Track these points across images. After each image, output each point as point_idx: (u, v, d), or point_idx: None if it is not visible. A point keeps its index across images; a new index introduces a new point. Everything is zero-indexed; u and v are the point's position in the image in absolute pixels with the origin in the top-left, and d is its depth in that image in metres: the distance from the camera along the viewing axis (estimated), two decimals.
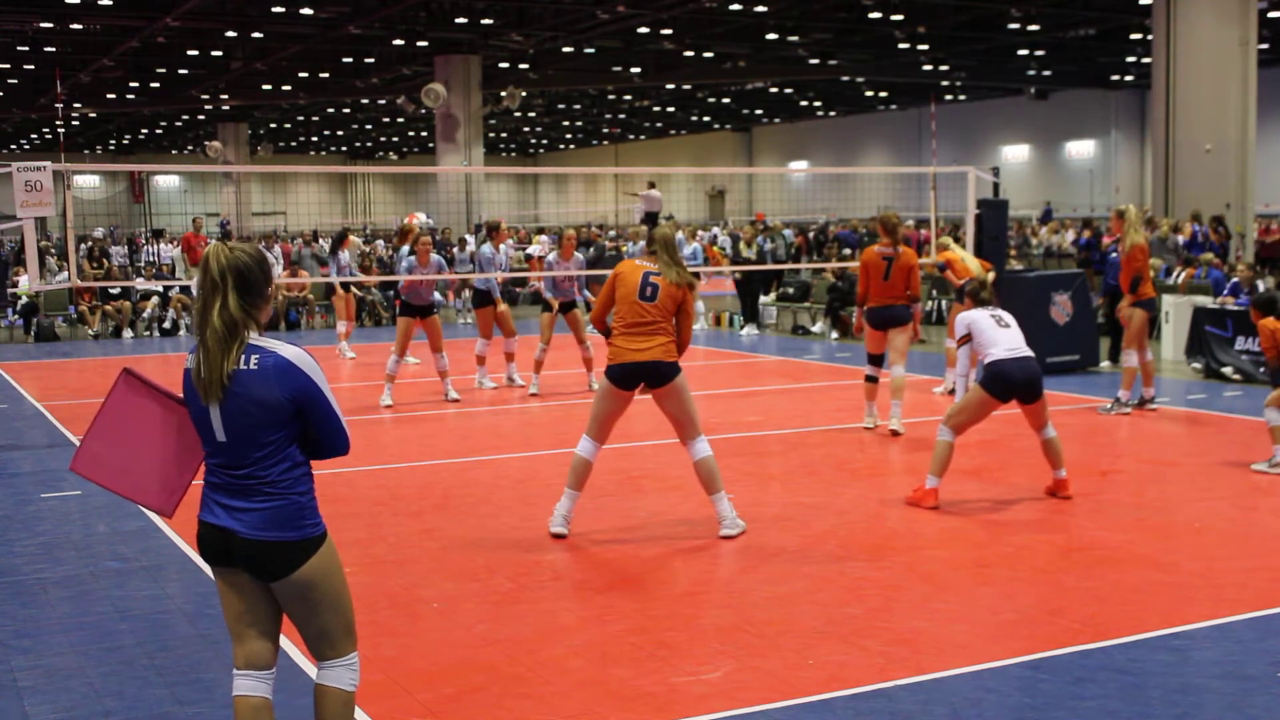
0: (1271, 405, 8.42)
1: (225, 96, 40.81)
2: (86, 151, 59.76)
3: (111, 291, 20.76)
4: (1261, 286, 13.76)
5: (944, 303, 18.92)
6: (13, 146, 57.32)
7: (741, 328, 19.87)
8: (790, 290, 20.18)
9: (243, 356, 3.46)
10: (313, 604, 3.60)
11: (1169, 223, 19.67)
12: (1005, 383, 7.46)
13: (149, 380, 3.81)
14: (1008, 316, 7.83)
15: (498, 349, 13.48)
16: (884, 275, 10.12)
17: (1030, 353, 7.64)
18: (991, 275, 11.59)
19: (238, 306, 3.48)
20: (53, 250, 25.81)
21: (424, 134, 53.84)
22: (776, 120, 56.38)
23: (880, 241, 10.34)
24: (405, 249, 13.05)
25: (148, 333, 20.72)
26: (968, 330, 7.80)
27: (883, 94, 46.03)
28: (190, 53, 33.75)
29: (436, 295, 20.89)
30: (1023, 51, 35.04)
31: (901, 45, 32.50)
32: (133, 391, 3.79)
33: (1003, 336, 7.60)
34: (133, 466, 3.80)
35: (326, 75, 38.46)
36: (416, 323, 12.03)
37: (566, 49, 33.65)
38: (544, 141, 67.60)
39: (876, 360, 10.47)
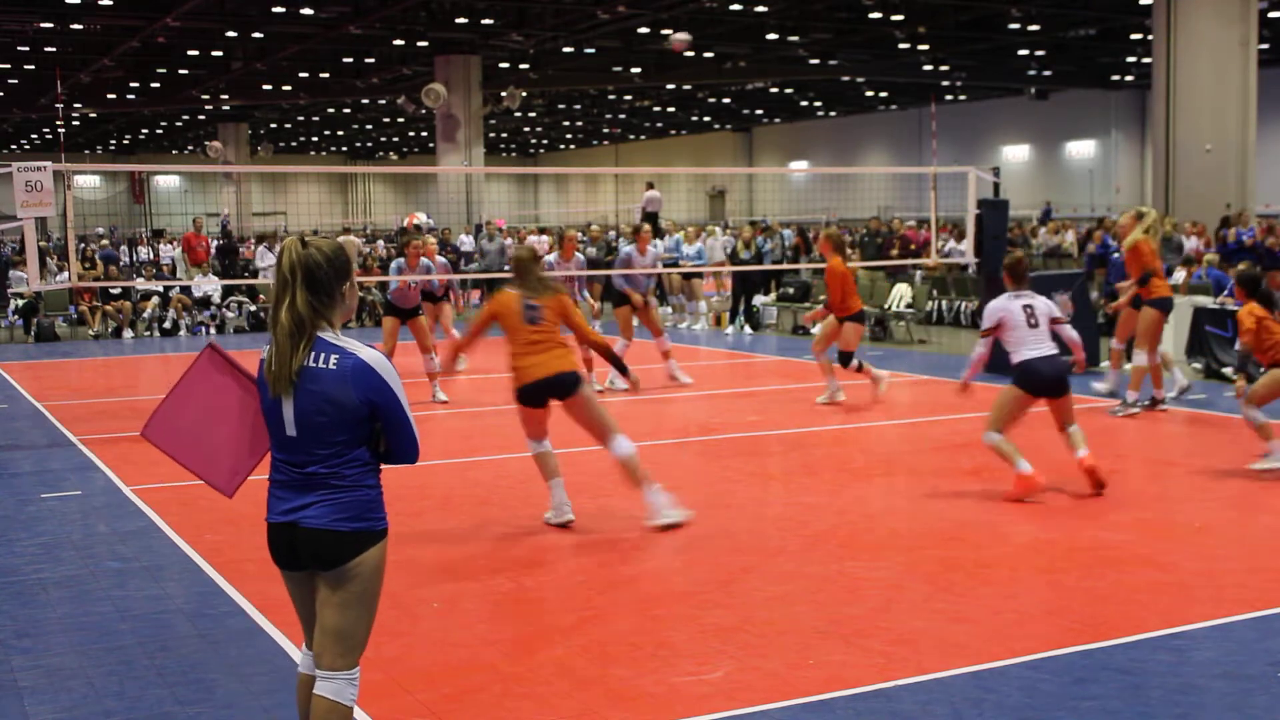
0: (1250, 404, 8.44)
1: (225, 96, 40.81)
2: (87, 151, 59.78)
3: (112, 292, 20.75)
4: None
5: (959, 304, 18.89)
6: (13, 146, 57.32)
7: (727, 326, 19.95)
8: (790, 290, 20.18)
9: (320, 355, 3.45)
10: (350, 598, 3.53)
11: (1171, 221, 19.70)
12: (1037, 379, 7.73)
13: (232, 359, 3.80)
14: (1039, 306, 7.92)
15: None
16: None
17: (1056, 350, 7.88)
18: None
19: (305, 304, 3.46)
20: (52, 251, 25.83)
21: (424, 134, 53.86)
22: (776, 120, 56.38)
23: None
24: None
25: (148, 333, 20.71)
26: (997, 322, 7.90)
27: (883, 94, 46.03)
28: (190, 53, 33.76)
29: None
30: (1023, 51, 35.05)
31: (901, 45, 32.49)
32: (215, 367, 3.77)
33: (1030, 337, 7.82)
34: (202, 441, 3.77)
35: (326, 75, 38.47)
36: (417, 322, 12.08)
37: (566, 49, 33.65)
38: (544, 141, 67.60)
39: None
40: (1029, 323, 7.82)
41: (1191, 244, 20.08)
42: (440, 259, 12.42)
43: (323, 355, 3.46)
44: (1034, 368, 7.71)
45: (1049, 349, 7.80)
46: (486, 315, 7.32)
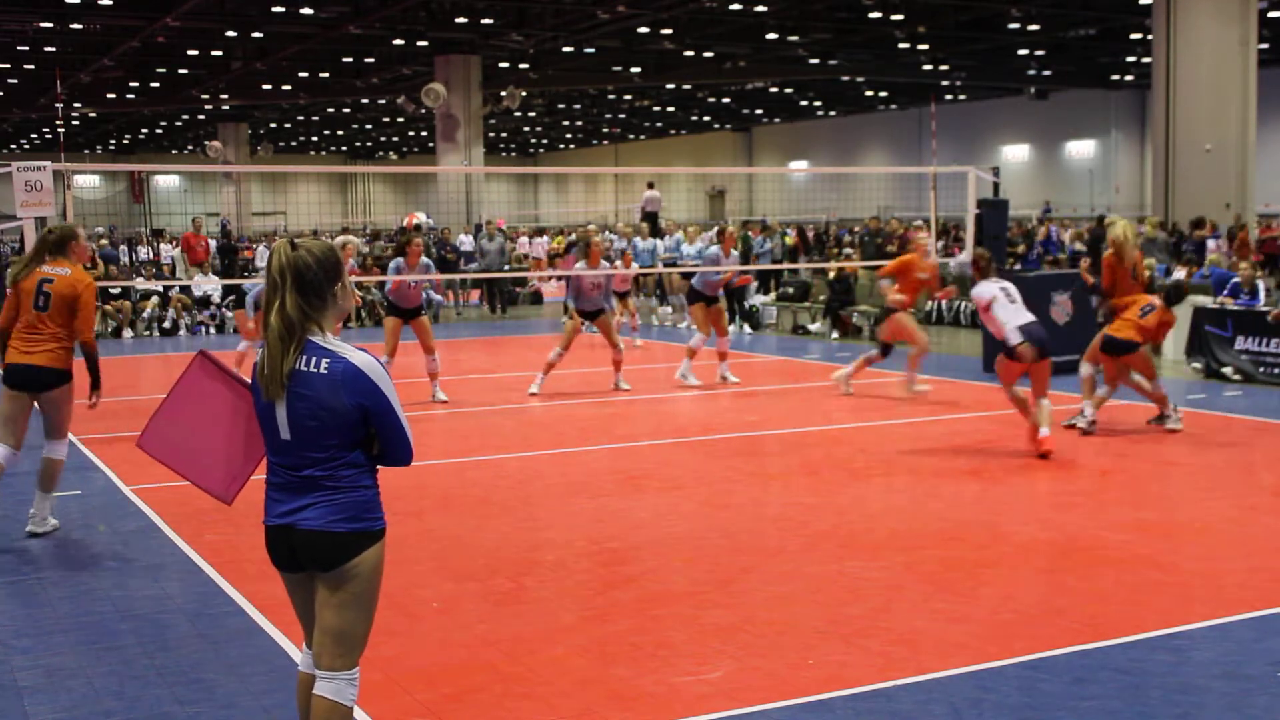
0: (1089, 360, 9.75)
1: (225, 96, 40.82)
2: (86, 151, 59.76)
3: (112, 291, 20.74)
4: (1262, 286, 13.75)
5: (959, 304, 18.84)
6: (13, 146, 57.32)
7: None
8: (790, 290, 20.17)
9: (312, 359, 3.44)
10: (349, 598, 3.53)
11: (1153, 222, 19.79)
12: (1031, 342, 9.04)
13: (223, 365, 3.80)
14: (1011, 288, 9.38)
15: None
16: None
17: (1035, 318, 9.27)
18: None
19: (295, 306, 3.44)
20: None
21: (424, 134, 53.85)
22: (776, 120, 56.38)
23: None
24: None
25: (148, 333, 20.71)
26: (989, 301, 9.25)
27: (883, 94, 46.03)
28: (190, 53, 33.77)
29: (437, 296, 20.92)
30: (1023, 51, 35.05)
31: (901, 45, 32.51)
32: (206, 375, 3.77)
33: (1013, 314, 9.17)
34: (198, 450, 3.77)
35: (326, 75, 38.47)
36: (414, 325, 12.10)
37: (566, 49, 33.66)
38: (544, 141, 67.60)
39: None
40: (1009, 299, 9.22)
41: (1212, 244, 20.11)
42: (424, 260, 12.46)
43: (314, 359, 3.45)
44: (1028, 334, 9.05)
45: (1030, 318, 9.20)
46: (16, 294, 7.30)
